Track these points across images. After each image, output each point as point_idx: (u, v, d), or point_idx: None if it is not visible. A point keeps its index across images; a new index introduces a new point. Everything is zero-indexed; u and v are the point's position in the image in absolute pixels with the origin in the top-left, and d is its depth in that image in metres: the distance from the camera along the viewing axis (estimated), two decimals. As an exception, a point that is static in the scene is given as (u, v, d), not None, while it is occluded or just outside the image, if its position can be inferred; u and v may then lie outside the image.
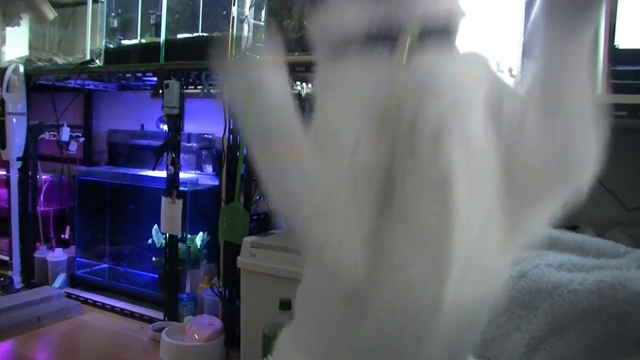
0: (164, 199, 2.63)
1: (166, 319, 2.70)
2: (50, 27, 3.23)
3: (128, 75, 2.81)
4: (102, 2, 2.97)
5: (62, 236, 3.45)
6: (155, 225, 2.89)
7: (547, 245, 1.11)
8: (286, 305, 1.79)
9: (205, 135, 3.00)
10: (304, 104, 2.67)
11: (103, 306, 2.96)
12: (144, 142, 3.20)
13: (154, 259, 2.95)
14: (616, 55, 1.56)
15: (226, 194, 2.44)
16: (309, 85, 2.64)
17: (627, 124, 1.59)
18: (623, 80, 1.54)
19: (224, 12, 2.50)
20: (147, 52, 2.73)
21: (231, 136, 2.40)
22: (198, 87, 2.79)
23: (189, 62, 2.53)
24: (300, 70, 2.27)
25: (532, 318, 0.88)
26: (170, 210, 2.61)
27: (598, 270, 0.91)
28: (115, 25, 2.97)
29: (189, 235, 2.82)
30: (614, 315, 0.83)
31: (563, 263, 0.99)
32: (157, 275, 2.99)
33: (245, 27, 2.44)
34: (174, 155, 2.60)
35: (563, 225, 1.09)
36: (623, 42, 1.56)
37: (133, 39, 2.89)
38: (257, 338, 1.81)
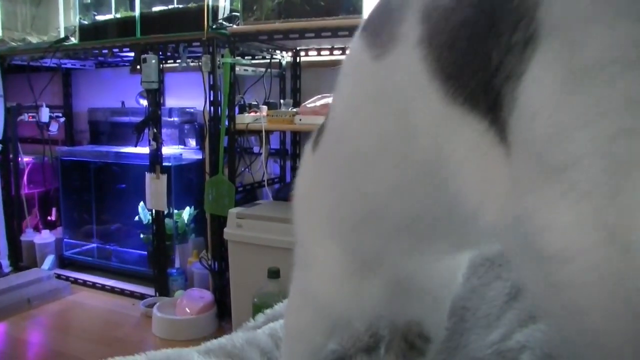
0: (148, 175, 2.61)
1: (157, 295, 2.70)
2: (21, 6, 3.14)
3: (104, 51, 2.76)
4: (74, -23, 2.90)
5: (49, 218, 3.42)
6: (142, 202, 2.87)
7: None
8: (274, 273, 1.80)
9: (187, 109, 2.97)
10: (284, 72, 2.64)
11: (93, 285, 2.96)
12: (125, 119, 3.17)
13: (141, 235, 2.95)
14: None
15: (210, 167, 2.43)
16: (289, 54, 2.61)
17: None
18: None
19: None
20: (123, 26, 2.67)
21: (212, 108, 2.38)
22: (177, 60, 2.75)
23: (166, 35, 2.49)
24: (278, 38, 2.23)
25: (512, 266, 0.88)
26: (155, 186, 2.59)
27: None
28: (89, 0, 2.91)
29: (175, 211, 2.81)
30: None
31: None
32: (145, 252, 2.99)
33: (221, -4, 2.39)
34: (155, 130, 2.57)
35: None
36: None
37: (107, 14, 2.83)
38: (247, 308, 1.82)
